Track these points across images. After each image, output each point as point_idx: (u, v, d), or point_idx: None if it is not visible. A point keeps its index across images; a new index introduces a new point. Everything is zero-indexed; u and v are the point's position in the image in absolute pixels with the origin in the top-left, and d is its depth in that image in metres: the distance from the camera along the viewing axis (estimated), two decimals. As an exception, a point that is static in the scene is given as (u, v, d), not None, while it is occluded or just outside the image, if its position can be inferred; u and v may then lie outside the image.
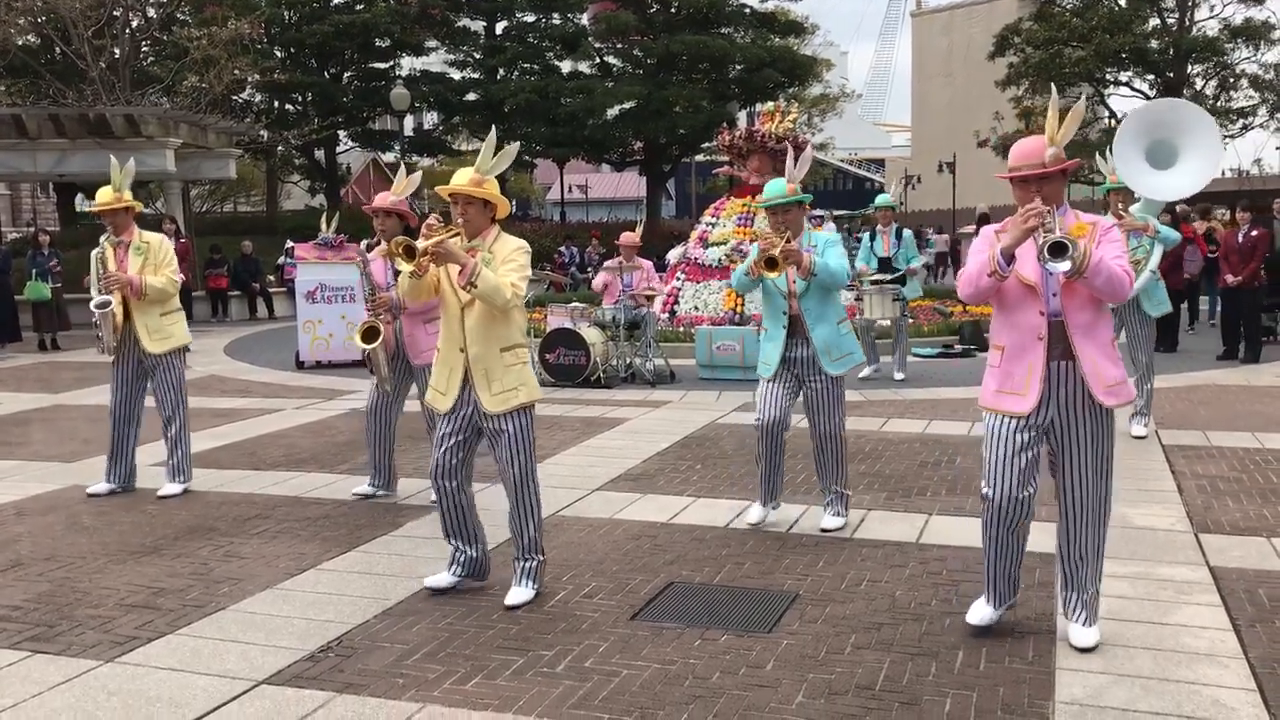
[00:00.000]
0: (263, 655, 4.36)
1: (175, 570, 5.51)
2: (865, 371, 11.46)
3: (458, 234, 4.74)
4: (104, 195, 7.03)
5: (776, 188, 5.95)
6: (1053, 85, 4.48)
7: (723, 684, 4.01)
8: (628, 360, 12.12)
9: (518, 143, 5.22)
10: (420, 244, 4.59)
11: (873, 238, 12.10)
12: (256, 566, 5.55)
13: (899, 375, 11.55)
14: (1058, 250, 3.86)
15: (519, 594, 4.91)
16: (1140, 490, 6.70)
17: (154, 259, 7.05)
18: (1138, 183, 7.71)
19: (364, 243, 6.87)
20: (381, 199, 6.74)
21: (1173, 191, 7.82)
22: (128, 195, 7.08)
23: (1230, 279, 12.74)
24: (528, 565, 4.97)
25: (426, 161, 43.38)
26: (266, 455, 8.43)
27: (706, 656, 4.27)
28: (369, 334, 6.34)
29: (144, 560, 5.70)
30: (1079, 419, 4.19)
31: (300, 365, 14.11)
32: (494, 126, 5.18)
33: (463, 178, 4.81)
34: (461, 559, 5.09)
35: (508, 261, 4.76)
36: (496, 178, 4.88)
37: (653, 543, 5.83)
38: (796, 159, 6.13)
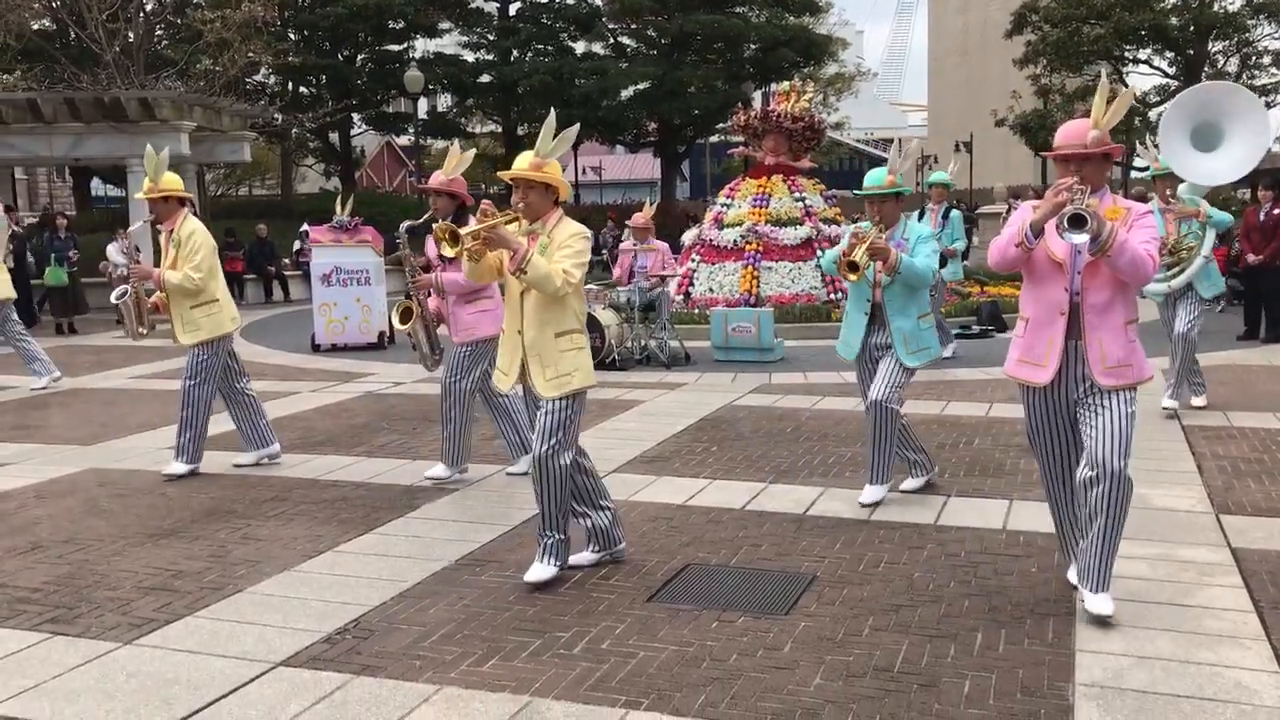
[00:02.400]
0: (280, 637, 4.37)
1: (193, 553, 5.53)
2: (947, 351, 11.25)
3: (515, 219, 4.72)
4: (144, 186, 7.13)
5: (876, 178, 6.01)
6: (1102, 71, 4.49)
7: (740, 665, 4.00)
8: (643, 342, 12.09)
9: (577, 126, 5.20)
10: (467, 229, 4.59)
11: (920, 216, 11.87)
12: (273, 549, 5.56)
13: (948, 352, 11.35)
14: (1076, 222, 3.97)
15: (538, 570, 4.89)
16: (1160, 471, 6.66)
17: (182, 252, 7.06)
18: (1183, 166, 7.63)
19: (404, 225, 6.85)
20: (436, 178, 6.70)
21: (1218, 175, 7.74)
22: (166, 182, 7.08)
23: (1251, 258, 12.61)
24: (549, 543, 4.96)
25: (441, 144, 43.35)
26: (283, 438, 8.40)
27: (724, 638, 4.25)
28: (405, 315, 6.45)
29: (162, 543, 5.71)
30: (1090, 398, 4.32)
31: (316, 348, 14.13)
32: (552, 110, 5.16)
33: (523, 161, 4.80)
34: (591, 529, 5.10)
35: (564, 247, 4.74)
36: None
37: (669, 524, 5.82)
38: (900, 148, 6.11)
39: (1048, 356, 4.34)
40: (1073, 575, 4.61)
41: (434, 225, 5.34)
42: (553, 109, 5.26)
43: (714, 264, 15.68)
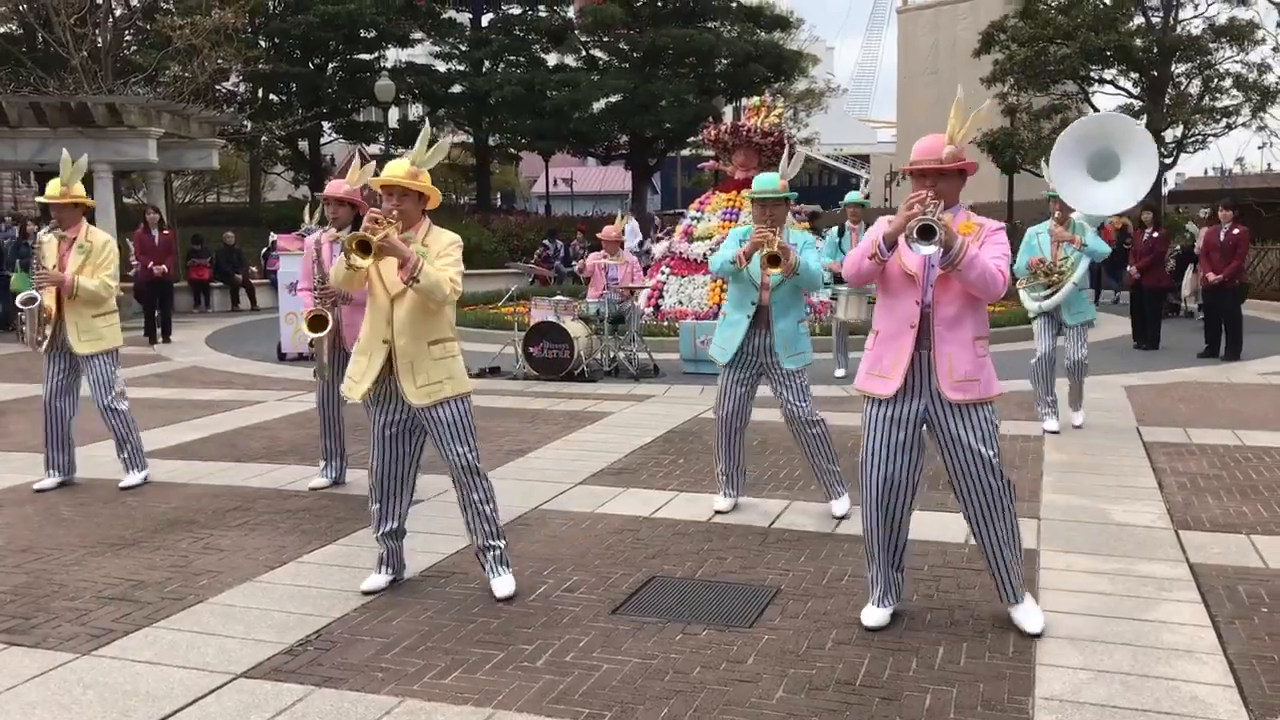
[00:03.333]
0: (241, 648, 4.33)
1: (154, 563, 5.47)
2: (839, 373, 11.46)
3: (395, 226, 4.71)
4: (52, 188, 6.94)
5: (767, 181, 6.01)
6: (959, 86, 4.53)
7: (703, 679, 4.01)
8: (612, 354, 12.10)
9: (450, 138, 5.21)
10: (372, 240, 4.56)
11: (841, 234, 11.98)
12: (236, 559, 5.51)
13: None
14: (925, 233, 4.02)
15: (505, 583, 4.89)
16: (1121, 487, 6.73)
17: (94, 259, 6.93)
18: (1075, 198, 7.81)
19: (323, 231, 6.85)
20: (334, 187, 6.77)
21: (1110, 205, 7.95)
22: (77, 190, 6.98)
23: (1211, 276, 12.81)
24: (496, 553, 4.96)
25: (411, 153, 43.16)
26: (247, 447, 8.38)
27: (687, 651, 4.26)
28: (315, 322, 6.32)
29: (122, 553, 5.65)
30: (946, 410, 4.33)
31: (282, 357, 14.04)
32: (427, 121, 5.19)
33: (399, 169, 4.79)
34: (389, 558, 5.07)
35: (443, 256, 4.76)
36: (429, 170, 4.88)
37: (635, 537, 5.82)
38: (790, 156, 6.18)
39: (894, 368, 4.34)
40: (877, 618, 4.50)
41: (342, 235, 5.31)
42: (426, 121, 5.31)
43: (684, 277, 15.73)
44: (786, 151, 6.27)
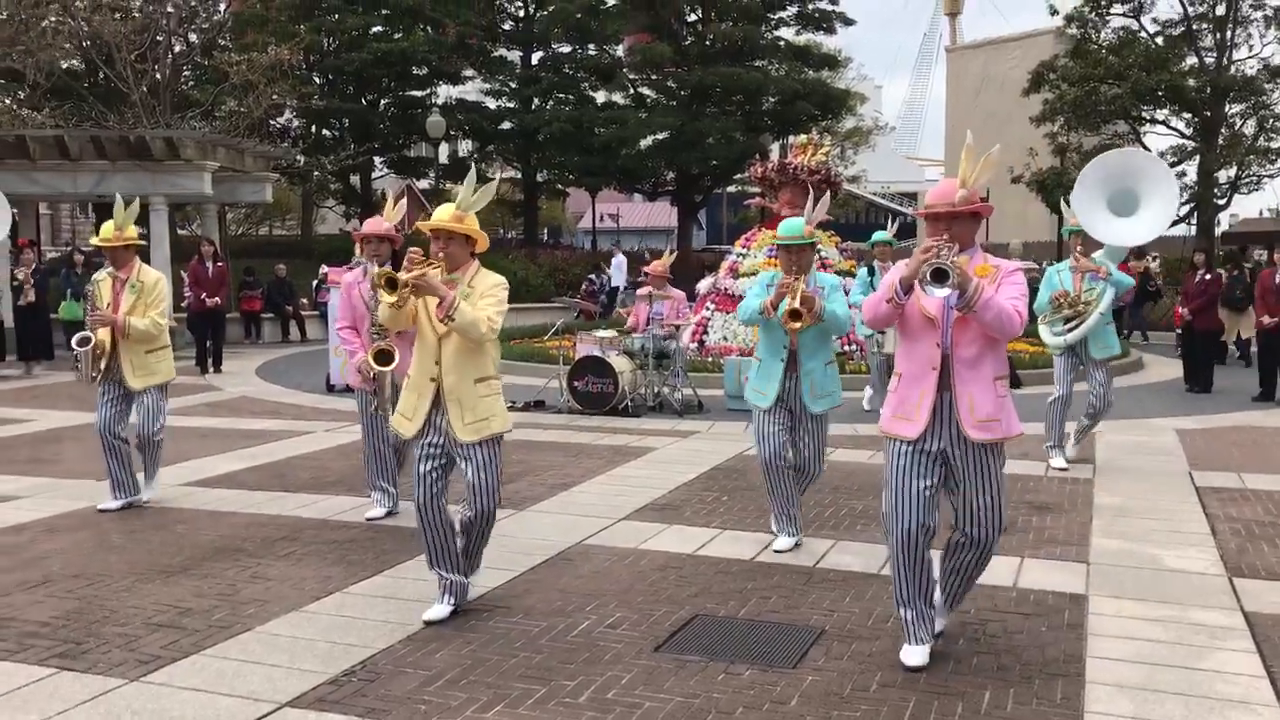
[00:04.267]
0: (286, 678, 4.37)
1: (202, 590, 5.54)
2: (868, 405, 11.49)
3: (438, 267, 4.81)
4: (106, 231, 7.26)
5: (793, 228, 6.03)
6: (969, 133, 4.55)
7: (745, 719, 3.97)
8: (656, 389, 12.11)
9: (495, 180, 5.34)
10: (402, 276, 4.66)
11: (871, 273, 11.99)
12: (283, 588, 5.56)
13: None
14: (938, 276, 4.06)
15: (436, 610, 5.04)
16: (1173, 532, 6.62)
17: (146, 298, 7.22)
18: (1098, 230, 7.77)
19: (369, 266, 6.94)
20: (373, 224, 6.87)
21: (1131, 238, 7.90)
22: (130, 232, 7.27)
23: (1267, 320, 12.61)
24: (460, 584, 5.12)
25: (460, 188, 43.59)
26: (295, 477, 8.47)
27: (730, 691, 4.23)
28: (381, 357, 6.36)
29: (171, 580, 5.73)
30: (964, 450, 4.38)
31: (331, 388, 14.17)
32: (474, 165, 5.30)
33: (445, 213, 4.92)
34: (451, 587, 5.13)
35: (486, 296, 4.87)
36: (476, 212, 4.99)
37: (678, 574, 5.80)
38: (818, 201, 6.22)
39: (918, 410, 4.38)
40: (918, 657, 4.50)
41: (372, 272, 5.42)
42: (471, 165, 5.41)
43: (728, 313, 15.73)
44: (812, 196, 6.31)
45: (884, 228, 12.88)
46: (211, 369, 16.45)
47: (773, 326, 6.02)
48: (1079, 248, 8.35)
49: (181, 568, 5.95)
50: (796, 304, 5.65)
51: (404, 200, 6.79)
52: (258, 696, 4.18)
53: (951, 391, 4.33)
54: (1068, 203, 8.29)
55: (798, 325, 5.71)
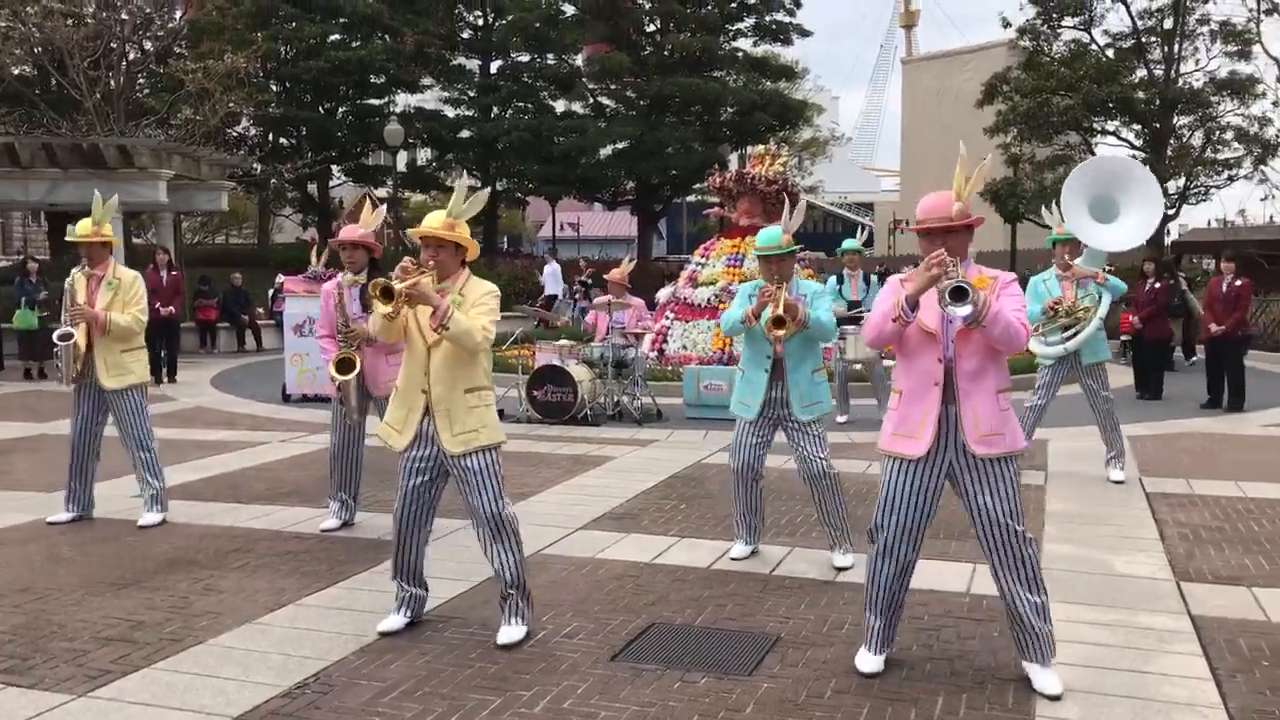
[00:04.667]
0: (239, 691, 4.33)
1: (153, 603, 5.47)
2: (841, 419, 11.51)
3: (429, 276, 4.77)
4: (83, 228, 7.10)
5: (771, 237, 5.99)
6: (961, 144, 4.56)
7: (701, 727, 3.99)
8: (615, 398, 12.13)
9: (486, 189, 5.28)
10: (397, 285, 4.61)
11: (840, 281, 12.10)
12: (235, 600, 5.51)
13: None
14: (959, 295, 4.01)
15: (510, 633, 4.88)
16: (1123, 538, 6.71)
17: (123, 295, 7.10)
18: (1085, 234, 7.83)
19: (342, 275, 6.92)
20: (349, 232, 6.84)
21: (1117, 243, 7.97)
22: (107, 229, 7.14)
23: (1214, 328, 12.82)
24: (513, 602, 4.95)
25: (419, 197, 43.45)
26: (250, 488, 8.39)
27: (686, 699, 4.25)
28: (343, 365, 6.37)
29: (122, 593, 5.65)
30: (971, 463, 4.31)
31: (286, 398, 14.07)
32: (464, 171, 5.24)
33: (435, 220, 4.86)
34: (409, 600, 5.09)
35: (478, 305, 4.81)
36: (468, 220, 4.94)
37: (635, 583, 5.81)
38: (792, 209, 6.21)
39: (922, 427, 4.30)
40: (872, 664, 4.50)
41: (366, 283, 5.37)
42: (463, 172, 5.35)
43: (688, 321, 15.79)
44: (788, 205, 6.30)
45: (851, 236, 12.96)
46: (166, 379, 16.27)
47: (755, 336, 5.99)
48: (1066, 254, 8.38)
49: (132, 580, 5.88)
50: (780, 311, 5.65)
51: (382, 209, 6.74)
52: (209, 711, 4.14)
53: (956, 405, 4.27)
54: (1049, 209, 8.35)
55: (782, 333, 5.69)
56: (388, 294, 4.58)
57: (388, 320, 4.69)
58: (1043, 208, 9.05)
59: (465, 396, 4.84)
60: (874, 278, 12.30)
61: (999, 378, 4.33)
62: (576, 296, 25.09)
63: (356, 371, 6.53)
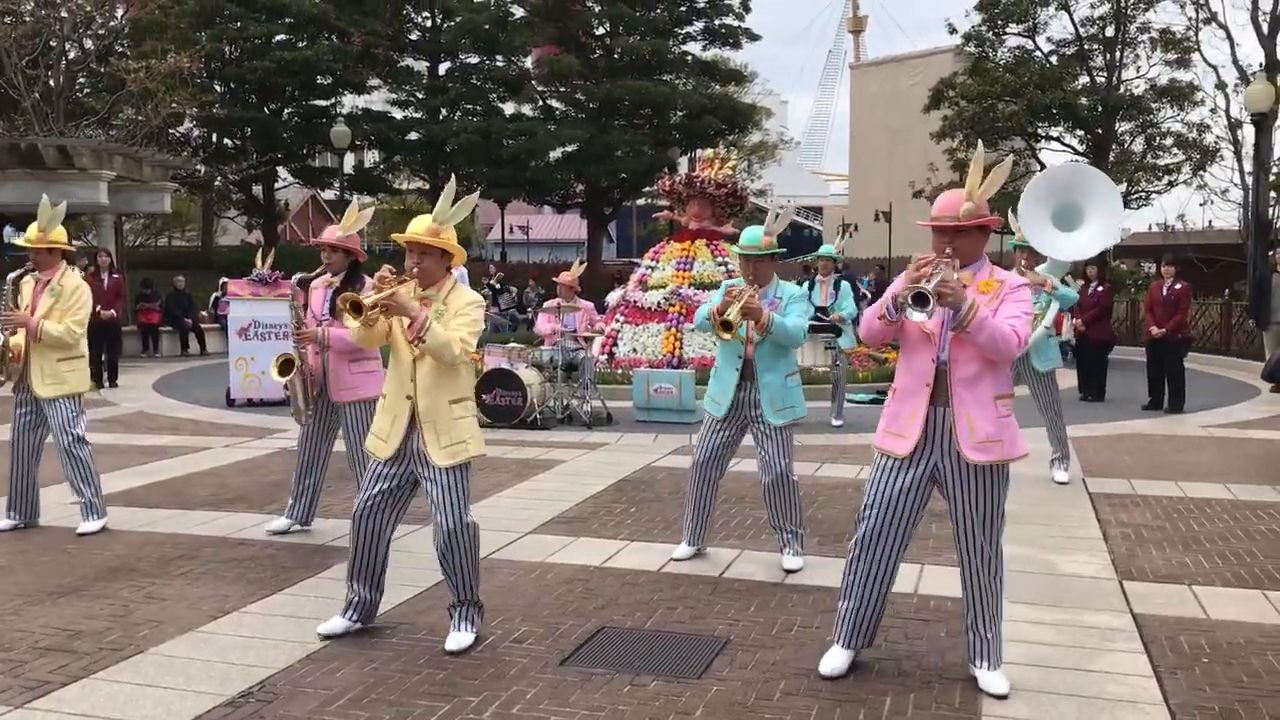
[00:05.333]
0: (181, 700, 4.25)
1: (93, 612, 5.36)
2: (836, 422, 11.65)
3: (410, 282, 4.69)
4: (30, 233, 7.02)
5: (752, 237, 6.02)
6: (979, 141, 4.57)
7: (651, 731, 3.98)
8: (565, 402, 12.09)
9: (476, 193, 5.20)
10: (370, 298, 4.54)
11: (811, 287, 12.16)
12: (178, 609, 5.42)
13: (837, 421, 11.66)
14: (919, 301, 4.02)
15: (460, 639, 4.83)
16: (1066, 538, 6.81)
17: (63, 303, 6.97)
18: (1043, 243, 7.94)
19: (296, 276, 6.85)
20: (330, 233, 6.73)
21: (1076, 252, 8.06)
22: (55, 234, 7.01)
23: (1155, 330, 13.05)
24: (465, 609, 4.91)
25: (367, 199, 43.08)
26: (193, 494, 8.26)
27: (635, 703, 4.24)
28: (285, 366, 6.36)
29: (61, 601, 5.54)
30: (959, 468, 4.30)
31: (231, 403, 13.88)
32: (451, 174, 5.17)
33: (420, 225, 4.75)
34: (357, 603, 5.02)
35: (460, 315, 4.73)
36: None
37: (585, 587, 5.79)
38: (776, 214, 6.24)
39: (910, 426, 4.31)
40: (833, 664, 4.52)
41: (338, 296, 5.32)
42: (451, 175, 5.29)
43: (638, 325, 15.79)
44: (772, 209, 6.33)
45: (801, 241, 13.05)
46: (107, 383, 15.98)
47: None
48: (1024, 261, 8.48)
49: (72, 589, 5.76)
50: (732, 315, 5.65)
51: (367, 212, 6.66)
52: (150, 721, 4.06)
53: (949, 408, 4.24)
54: (1012, 213, 8.43)
55: (727, 336, 5.72)
56: (356, 309, 4.50)
57: (366, 328, 4.64)
58: (1010, 212, 9.13)
59: (451, 407, 4.78)
60: (845, 283, 12.35)
61: (998, 383, 4.27)
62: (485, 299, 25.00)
63: (295, 370, 6.51)
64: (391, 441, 4.81)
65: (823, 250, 12.60)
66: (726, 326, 5.68)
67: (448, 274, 4.86)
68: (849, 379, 13.18)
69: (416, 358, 4.73)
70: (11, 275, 7.06)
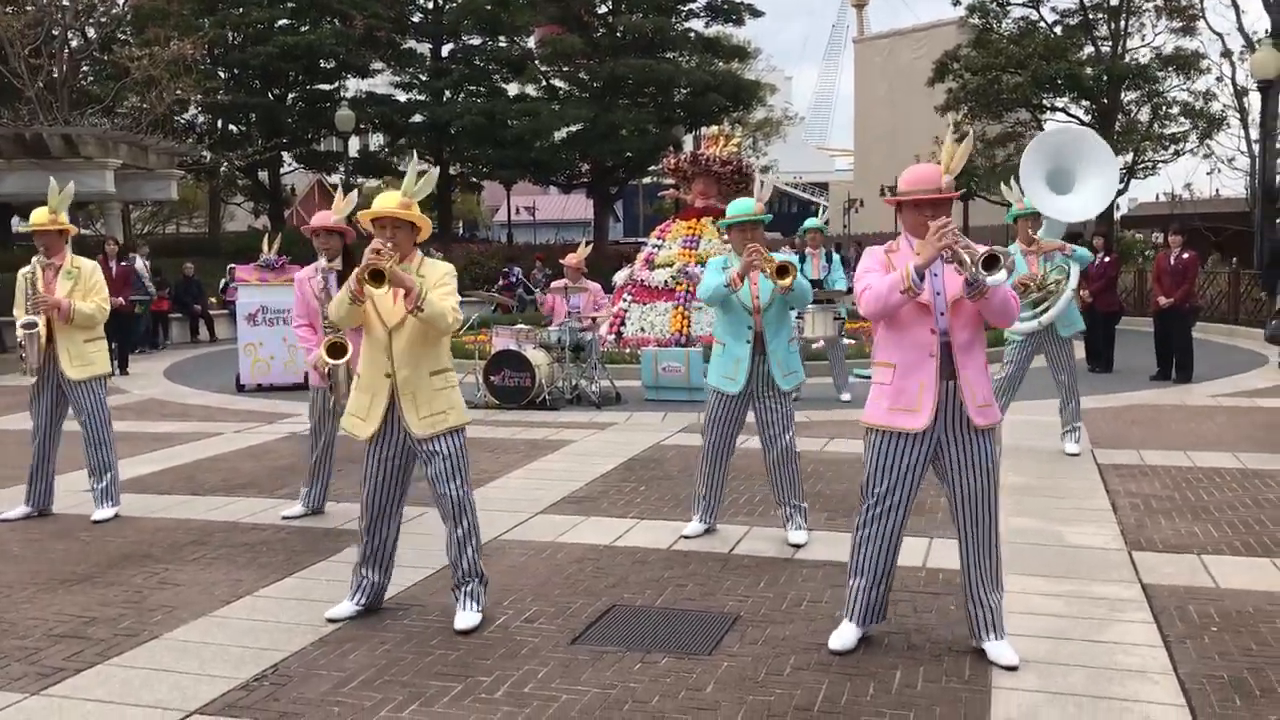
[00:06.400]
0: (196, 685, 4.29)
1: (107, 599, 5.40)
2: (844, 396, 11.67)
3: (393, 258, 4.72)
4: (38, 216, 6.98)
5: (744, 206, 6.04)
6: (949, 115, 4.60)
7: (662, 708, 4.01)
8: (573, 382, 12.11)
9: (436, 167, 5.24)
10: (385, 266, 4.56)
11: (802, 260, 12.13)
12: (192, 594, 5.46)
13: (845, 396, 11.65)
14: (991, 263, 3.98)
15: (467, 619, 4.86)
16: (1075, 509, 6.81)
17: (84, 284, 6.98)
18: (1045, 206, 7.90)
19: (320, 261, 6.83)
20: (322, 218, 6.77)
21: (1077, 212, 8.04)
22: (63, 218, 7.02)
23: (1163, 300, 13.02)
24: (470, 588, 4.94)
25: (373, 183, 43.07)
26: (205, 480, 8.30)
27: (647, 680, 4.26)
28: (335, 350, 6.27)
29: (75, 589, 5.58)
30: (962, 437, 4.32)
31: (240, 388, 13.93)
32: (414, 152, 5.19)
33: (390, 201, 4.80)
34: (367, 587, 5.06)
35: (440, 285, 4.78)
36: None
37: (595, 566, 5.82)
38: (762, 183, 6.29)
39: (920, 400, 4.26)
40: (843, 639, 4.52)
41: (343, 269, 5.32)
42: (414, 152, 5.32)
43: (645, 304, 15.79)
44: (757, 178, 6.38)
45: (806, 216, 13.01)
46: (117, 371, 16.04)
47: (732, 309, 6.01)
48: (1029, 229, 8.41)
49: (85, 576, 5.80)
50: (777, 264, 5.70)
51: (354, 194, 6.67)
52: (166, 705, 4.10)
53: (955, 379, 4.24)
54: (1009, 185, 8.39)
55: (788, 282, 5.71)
56: (378, 276, 4.53)
57: (354, 305, 4.65)
58: (1003, 184, 9.08)
59: (432, 379, 4.82)
60: (836, 255, 12.35)
61: (984, 346, 4.37)
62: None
63: (349, 356, 6.47)
64: (371, 420, 4.85)
65: (809, 223, 12.55)
66: (784, 271, 5.69)
67: (415, 249, 4.91)
68: (853, 353, 13.13)
69: (393, 330, 4.75)
70: (24, 270, 7.04)
